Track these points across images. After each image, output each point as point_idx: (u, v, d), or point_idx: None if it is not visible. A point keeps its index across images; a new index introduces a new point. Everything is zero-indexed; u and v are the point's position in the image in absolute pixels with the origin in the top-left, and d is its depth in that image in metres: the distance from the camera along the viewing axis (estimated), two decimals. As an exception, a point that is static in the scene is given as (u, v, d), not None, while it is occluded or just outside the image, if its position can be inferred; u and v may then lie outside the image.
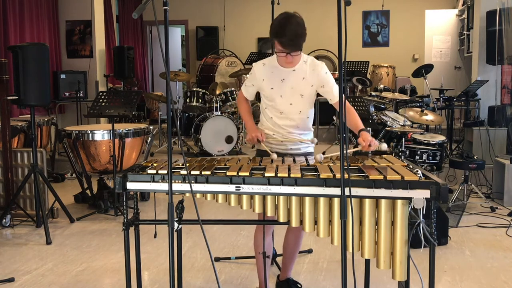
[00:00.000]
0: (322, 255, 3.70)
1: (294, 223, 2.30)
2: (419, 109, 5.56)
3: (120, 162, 4.81)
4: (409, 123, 5.17)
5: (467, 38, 8.20)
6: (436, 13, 9.13)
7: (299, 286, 3.08)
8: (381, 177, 2.17)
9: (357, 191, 2.15)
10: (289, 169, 2.34)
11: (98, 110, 4.66)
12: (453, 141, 6.77)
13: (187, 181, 2.29)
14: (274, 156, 2.65)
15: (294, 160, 2.63)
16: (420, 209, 2.12)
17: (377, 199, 2.18)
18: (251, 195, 2.32)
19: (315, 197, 2.25)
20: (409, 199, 2.14)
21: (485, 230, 4.29)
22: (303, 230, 2.32)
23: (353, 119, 2.75)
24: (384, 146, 2.59)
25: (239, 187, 2.27)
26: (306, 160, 2.64)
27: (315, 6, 10.51)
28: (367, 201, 2.20)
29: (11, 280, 3.31)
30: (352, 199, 2.14)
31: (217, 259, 3.59)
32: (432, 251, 2.24)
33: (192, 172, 2.33)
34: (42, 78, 4.20)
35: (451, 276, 3.33)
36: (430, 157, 4.76)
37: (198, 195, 2.35)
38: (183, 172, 2.34)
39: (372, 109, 6.14)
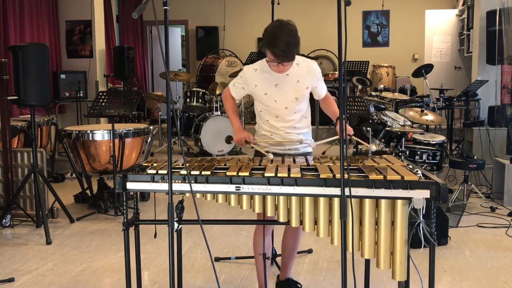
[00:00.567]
0: (322, 255, 3.70)
1: (294, 223, 2.30)
2: (419, 109, 5.55)
3: (120, 162, 4.81)
4: (409, 123, 5.16)
5: (467, 38, 8.20)
6: (436, 13, 9.13)
7: (299, 286, 3.08)
8: (381, 177, 2.17)
9: (357, 191, 2.15)
10: (289, 169, 2.34)
11: (98, 110, 4.66)
12: (453, 141, 6.77)
13: (187, 181, 2.29)
14: (271, 156, 2.65)
15: (294, 160, 2.63)
16: (420, 209, 2.12)
17: (377, 199, 2.18)
18: (251, 195, 2.32)
19: (315, 197, 2.25)
20: (409, 199, 2.14)
21: (485, 230, 4.29)
22: (303, 230, 2.32)
23: (332, 107, 2.89)
24: (373, 148, 2.61)
25: (239, 187, 2.27)
26: (306, 160, 2.64)
27: (315, 6, 10.51)
28: (367, 201, 2.20)
29: (11, 280, 3.31)
30: (352, 199, 2.14)
31: (217, 259, 3.59)
32: (432, 251, 2.24)
33: (192, 172, 2.33)
34: (42, 78, 4.20)
35: (451, 276, 3.33)
36: (430, 157, 4.76)
37: (198, 195, 2.35)
38: (183, 172, 2.34)
39: (372, 109, 6.14)
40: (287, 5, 9.93)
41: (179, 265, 2.84)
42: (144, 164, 2.59)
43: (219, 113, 6.76)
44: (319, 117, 7.77)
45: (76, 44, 7.95)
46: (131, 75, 8.30)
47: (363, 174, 2.25)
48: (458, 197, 4.90)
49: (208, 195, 2.36)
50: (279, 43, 2.49)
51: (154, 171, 2.37)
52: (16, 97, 4.14)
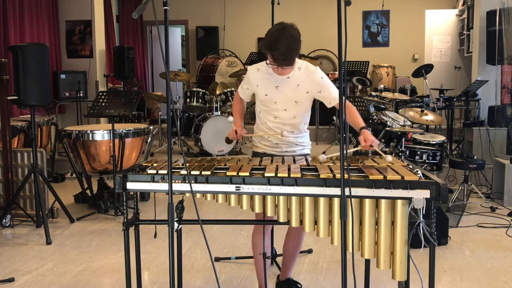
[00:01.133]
0: (322, 255, 3.70)
1: (294, 223, 2.30)
2: (419, 109, 5.55)
3: (120, 162, 4.81)
4: (409, 123, 5.17)
5: (467, 38, 8.20)
6: (436, 13, 9.13)
7: (299, 286, 3.08)
8: (381, 177, 2.17)
9: (357, 191, 2.15)
10: (289, 169, 2.34)
11: (98, 110, 4.66)
12: (453, 141, 6.77)
13: (187, 181, 2.29)
14: (230, 118, 2.82)
15: (294, 160, 2.63)
16: (420, 209, 2.12)
17: (377, 199, 2.18)
18: (251, 195, 2.33)
19: (315, 197, 2.25)
20: (409, 199, 2.14)
21: (485, 230, 4.29)
22: (303, 230, 2.32)
23: (354, 116, 2.73)
24: (389, 158, 2.50)
25: (239, 187, 2.27)
26: (306, 160, 2.64)
27: (315, 6, 10.51)
28: (367, 201, 2.20)
29: (11, 280, 3.31)
30: (352, 199, 2.14)
31: (217, 259, 3.59)
32: (432, 251, 2.24)
33: (192, 172, 2.33)
34: (42, 78, 4.20)
35: (451, 276, 3.33)
36: (430, 157, 4.76)
37: (198, 195, 2.35)
38: (183, 172, 2.34)
39: (372, 109, 6.14)
40: (287, 5, 9.93)
41: (179, 265, 2.84)
42: (144, 164, 2.59)
43: (219, 113, 6.76)
44: (319, 117, 7.77)
45: (76, 44, 7.95)
46: (131, 75, 8.30)
47: (363, 174, 2.25)
48: (458, 197, 4.90)
49: (208, 195, 2.36)
50: (279, 47, 2.48)
51: (154, 171, 2.37)
52: (16, 97, 4.14)
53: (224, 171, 2.34)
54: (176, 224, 2.11)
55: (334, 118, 7.69)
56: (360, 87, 7.78)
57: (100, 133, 4.82)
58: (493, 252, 3.77)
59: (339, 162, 2.16)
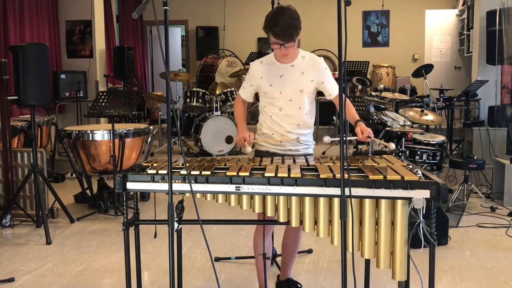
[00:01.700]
0: (322, 255, 3.70)
1: (294, 223, 2.30)
2: (419, 109, 5.55)
3: (120, 162, 4.81)
4: (409, 123, 5.17)
5: (467, 38, 8.20)
6: (436, 13, 9.13)
7: (299, 286, 3.08)
8: (381, 177, 2.17)
9: (357, 191, 2.15)
10: (289, 169, 2.34)
11: (98, 110, 4.66)
12: (453, 141, 6.77)
13: (187, 181, 2.29)
14: (248, 149, 2.68)
15: (294, 160, 2.63)
16: (420, 209, 2.12)
17: (377, 199, 2.18)
18: (251, 195, 2.32)
19: (315, 197, 2.25)
20: (409, 199, 2.14)
21: (485, 230, 4.29)
22: (303, 230, 2.32)
23: (350, 110, 2.80)
24: (392, 146, 2.56)
25: (239, 187, 2.27)
26: (306, 160, 2.64)
27: (315, 6, 10.51)
28: (367, 201, 2.20)
29: (11, 280, 3.31)
30: (352, 199, 2.14)
31: (217, 259, 3.59)
32: (432, 251, 2.24)
33: (192, 172, 2.33)
34: (42, 78, 4.20)
35: (451, 276, 3.33)
36: (430, 157, 4.76)
37: (198, 195, 2.35)
38: (183, 172, 2.34)
39: (372, 109, 6.14)
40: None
41: (179, 265, 2.84)
42: (144, 164, 2.59)
43: (219, 113, 6.76)
44: (319, 117, 7.77)
45: (76, 44, 7.95)
46: (131, 75, 8.30)
47: (363, 174, 2.25)
48: (458, 197, 4.90)
49: (208, 195, 2.36)
50: (279, 23, 2.53)
51: (154, 171, 2.37)
52: (16, 97, 4.14)
53: (224, 171, 2.34)
54: (176, 224, 2.11)
55: (334, 118, 7.69)
56: (360, 87, 7.78)
57: (100, 133, 4.82)
58: (493, 252, 3.77)
59: (339, 162, 2.16)
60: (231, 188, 2.29)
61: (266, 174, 2.27)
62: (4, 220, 4.40)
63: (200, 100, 7.14)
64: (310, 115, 2.84)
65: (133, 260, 2.52)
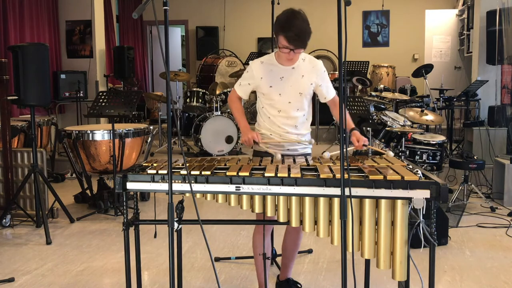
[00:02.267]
0: (322, 255, 3.70)
1: (294, 223, 2.30)
2: (419, 109, 5.55)
3: (120, 162, 4.81)
4: (409, 123, 5.16)
5: (467, 38, 8.20)
6: (436, 13, 9.13)
7: (299, 286, 3.08)
8: (381, 177, 2.17)
9: (357, 191, 2.15)
10: (289, 169, 2.34)
11: (98, 110, 4.66)
12: (453, 141, 6.77)
13: (187, 181, 2.29)
14: (279, 156, 2.62)
15: (294, 160, 2.63)
16: (420, 209, 2.12)
17: (377, 199, 2.18)
18: (251, 195, 2.33)
19: (315, 197, 2.25)
20: (409, 199, 2.14)
21: (485, 230, 4.29)
22: (303, 230, 2.32)
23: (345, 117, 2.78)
24: (391, 154, 2.57)
25: (239, 187, 2.27)
26: (306, 160, 2.64)
27: (315, 6, 10.50)
28: (367, 201, 2.20)
29: (11, 280, 3.31)
30: (352, 199, 2.14)
31: (217, 259, 3.59)
32: (432, 251, 2.24)
33: (192, 172, 2.33)
34: (42, 78, 4.20)
35: (451, 276, 3.33)
36: (430, 157, 4.76)
37: (198, 195, 2.35)
38: (183, 172, 2.34)
39: (372, 109, 6.14)
40: (287, 5, 9.91)
41: (179, 265, 2.84)
42: (144, 164, 2.59)
43: (219, 113, 6.76)
44: (319, 117, 7.77)
45: (76, 44, 7.95)
46: (131, 75, 8.29)
47: (363, 174, 2.25)
48: (458, 197, 4.90)
49: (208, 195, 2.36)
50: (293, 28, 2.51)
51: (154, 171, 2.37)
52: (16, 97, 4.14)
53: (224, 171, 2.34)
54: (176, 224, 2.11)
55: (334, 118, 7.68)
56: (360, 87, 7.78)
57: (100, 133, 4.82)
58: (493, 252, 3.77)
59: (339, 162, 2.16)
60: (231, 188, 2.29)
61: (266, 174, 2.27)
62: (4, 220, 4.40)
63: (200, 100, 7.14)
64: (308, 116, 2.86)
65: (133, 260, 2.52)
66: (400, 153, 4.60)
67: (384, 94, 6.36)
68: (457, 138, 7.08)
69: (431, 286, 2.28)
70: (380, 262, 2.23)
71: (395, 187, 2.14)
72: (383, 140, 4.92)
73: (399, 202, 2.16)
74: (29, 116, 4.40)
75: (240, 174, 2.28)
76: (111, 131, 4.64)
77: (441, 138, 5.01)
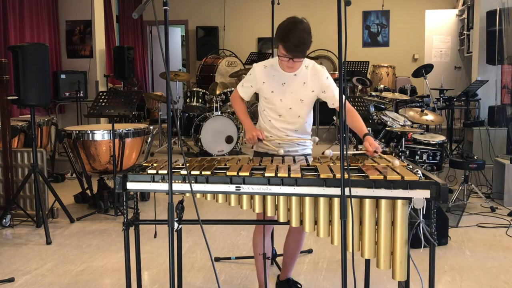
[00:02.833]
0: (322, 255, 3.70)
1: (294, 223, 2.30)
2: (419, 109, 5.55)
3: (120, 162, 4.81)
4: (409, 123, 5.17)
5: (467, 38, 8.20)
6: (436, 13, 9.13)
7: (299, 286, 3.08)
8: (381, 177, 2.17)
9: (357, 191, 2.15)
10: (289, 169, 2.34)
11: (98, 110, 4.66)
12: (453, 141, 6.77)
13: (187, 181, 2.29)
14: (281, 151, 2.66)
15: (294, 160, 2.63)
16: (420, 209, 2.12)
17: (377, 199, 2.18)
18: (251, 195, 2.33)
19: (315, 197, 2.25)
20: (409, 199, 2.14)
21: (485, 230, 4.29)
22: (303, 230, 2.32)
23: (357, 122, 2.75)
24: (396, 163, 2.45)
25: (239, 187, 2.27)
26: (306, 160, 2.64)
27: (315, 6, 10.51)
28: (367, 201, 2.20)
29: (11, 280, 3.31)
30: (352, 199, 2.14)
31: (217, 259, 3.59)
32: (432, 251, 2.24)
33: (192, 172, 2.33)
34: (42, 78, 4.20)
35: (451, 276, 3.33)
36: (430, 157, 4.76)
37: (198, 195, 2.35)
38: (183, 172, 2.34)
39: (372, 109, 6.14)
40: (287, 5, 9.91)
41: (179, 265, 2.84)
42: (144, 164, 2.59)
43: (219, 113, 6.76)
44: (319, 117, 7.77)
45: (76, 44, 7.95)
46: (131, 75, 8.29)
47: (363, 174, 2.25)
48: (458, 197, 4.90)
49: (208, 195, 2.36)
50: (292, 38, 2.49)
51: (154, 171, 2.37)
52: (16, 97, 4.14)
53: (224, 171, 2.34)
54: (176, 224, 2.11)
55: (334, 118, 7.69)
56: (360, 87, 7.79)
57: (100, 133, 4.82)
58: (493, 252, 3.77)
59: (339, 162, 2.16)
60: (231, 188, 2.29)
61: (266, 174, 2.27)
62: (4, 220, 4.40)
63: (200, 100, 7.14)
64: (309, 122, 2.87)
65: (133, 260, 2.52)
66: (400, 153, 4.59)
67: (384, 94, 6.36)
68: (457, 138, 7.08)
69: (431, 286, 2.28)
70: (380, 262, 2.23)
71: (395, 187, 2.14)
72: (383, 140, 4.92)
73: (399, 202, 2.16)
74: (29, 116, 4.40)
75: (240, 174, 2.28)
76: (111, 131, 4.64)
77: (441, 138, 5.01)
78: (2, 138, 4.48)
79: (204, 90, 7.26)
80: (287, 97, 2.74)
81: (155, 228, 3.81)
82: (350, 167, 2.36)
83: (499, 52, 6.26)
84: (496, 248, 3.85)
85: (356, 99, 5.16)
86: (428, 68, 6.95)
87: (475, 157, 4.97)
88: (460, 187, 4.92)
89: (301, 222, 2.30)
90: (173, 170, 2.26)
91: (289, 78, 2.72)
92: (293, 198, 2.28)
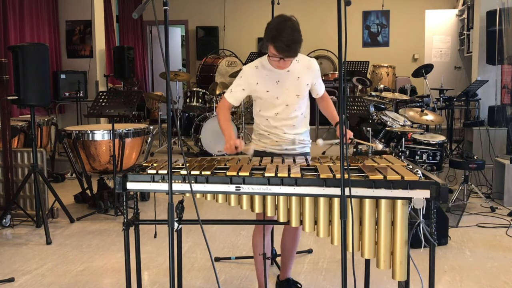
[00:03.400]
0: (322, 255, 3.70)
1: (294, 223, 2.30)
2: (419, 109, 5.55)
3: (120, 162, 4.81)
4: (409, 123, 5.17)
5: (467, 38, 8.20)
6: (436, 13, 9.13)
7: (299, 286, 3.08)
8: (381, 177, 2.17)
9: (357, 191, 2.15)
10: (289, 169, 2.34)
11: (98, 110, 4.66)
12: (453, 141, 6.77)
13: (187, 181, 2.29)
14: (251, 150, 2.73)
15: (294, 160, 2.63)
16: (420, 209, 2.12)
17: (377, 199, 2.18)
18: (251, 195, 2.33)
19: (315, 197, 2.25)
20: (409, 199, 2.14)
21: (485, 230, 4.29)
22: (303, 230, 2.32)
23: (331, 109, 2.90)
24: (379, 146, 2.59)
25: (239, 187, 2.27)
26: (306, 160, 2.64)
27: (315, 6, 10.51)
28: (367, 201, 2.20)
29: (11, 280, 3.31)
30: (352, 199, 2.14)
31: (217, 259, 3.59)
32: (432, 251, 2.24)
33: (192, 172, 2.33)
34: (42, 78, 4.20)
35: (451, 276, 3.33)
36: (430, 157, 4.76)
37: (198, 195, 2.35)
38: (183, 172, 2.34)
39: (372, 109, 6.14)
40: (287, 5, 9.92)
41: (179, 265, 2.84)
42: (144, 164, 2.59)
43: (219, 113, 6.75)
44: (319, 117, 7.77)
45: (76, 44, 7.95)
46: (131, 75, 8.29)
47: (363, 174, 2.25)
48: (458, 197, 4.90)
49: (208, 195, 2.36)
50: (283, 38, 2.47)
51: (154, 171, 2.37)
52: (16, 97, 4.14)
53: (224, 171, 2.34)
54: (176, 224, 2.11)
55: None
56: (360, 87, 7.78)
57: (100, 133, 4.82)
58: (493, 252, 3.77)
59: (339, 162, 2.16)
60: (231, 188, 2.29)
61: (266, 174, 2.27)
62: (4, 220, 4.40)
63: (200, 100, 7.14)
64: (305, 115, 2.86)
65: (133, 260, 2.52)
66: (400, 153, 4.60)
67: (384, 94, 6.36)
68: (457, 138, 7.08)
69: (431, 286, 2.28)
70: (380, 262, 2.23)
71: (395, 187, 2.14)
72: (383, 140, 4.92)
73: (399, 202, 2.17)
74: (29, 116, 4.40)
75: (240, 174, 2.28)
76: (111, 131, 4.64)
77: (441, 138, 5.01)
78: (2, 138, 4.48)
79: (204, 90, 7.26)
80: (283, 94, 2.73)
81: (155, 228, 3.81)
82: (350, 167, 2.36)
83: (499, 52, 6.26)
84: (496, 248, 3.85)
85: (356, 99, 5.16)
86: (428, 68, 6.95)
87: (475, 157, 4.97)
88: (460, 187, 4.92)
89: (301, 222, 2.30)
90: (173, 170, 2.26)
91: (283, 75, 2.71)
92: (293, 198, 2.28)
